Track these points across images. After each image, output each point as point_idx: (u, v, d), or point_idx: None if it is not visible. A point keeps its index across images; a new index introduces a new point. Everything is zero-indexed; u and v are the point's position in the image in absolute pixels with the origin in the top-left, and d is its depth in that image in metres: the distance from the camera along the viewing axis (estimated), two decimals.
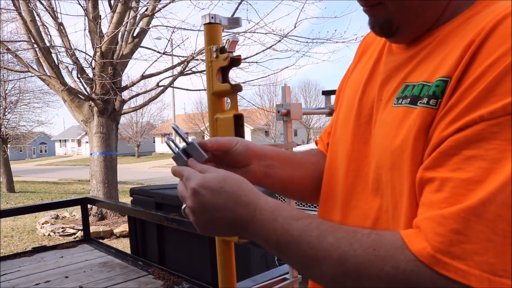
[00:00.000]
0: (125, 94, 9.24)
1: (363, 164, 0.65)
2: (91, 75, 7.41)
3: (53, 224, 6.98)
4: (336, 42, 7.84)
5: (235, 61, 0.93)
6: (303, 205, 4.02)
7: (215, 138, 0.71)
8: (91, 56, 7.16)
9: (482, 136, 0.45)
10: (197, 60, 7.54)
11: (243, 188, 0.58)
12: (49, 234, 6.74)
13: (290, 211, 0.56)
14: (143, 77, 7.80)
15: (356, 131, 0.67)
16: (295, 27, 7.35)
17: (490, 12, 0.52)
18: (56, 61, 7.33)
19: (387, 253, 0.47)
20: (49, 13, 7.20)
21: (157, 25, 7.79)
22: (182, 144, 0.69)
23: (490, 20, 0.50)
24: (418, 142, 0.52)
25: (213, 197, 0.58)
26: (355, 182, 0.66)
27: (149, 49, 8.11)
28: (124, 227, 6.53)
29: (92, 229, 5.69)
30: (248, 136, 33.22)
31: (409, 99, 0.55)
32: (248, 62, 7.96)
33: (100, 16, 7.32)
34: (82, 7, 7.03)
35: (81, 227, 5.76)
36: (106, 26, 7.38)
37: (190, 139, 0.69)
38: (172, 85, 8.10)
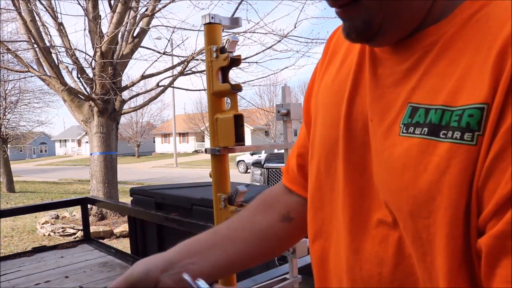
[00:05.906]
0: (125, 94, 9.25)
1: (363, 198, 0.53)
2: (91, 75, 7.42)
3: (53, 224, 6.98)
4: None
5: (235, 61, 0.94)
6: None
7: None
8: (91, 56, 7.17)
9: None
10: (197, 60, 7.54)
11: None
12: (49, 234, 6.74)
13: None
14: (143, 77, 7.81)
15: (349, 158, 0.55)
16: (295, 27, 7.35)
17: (502, 12, 0.42)
18: (56, 61, 7.33)
19: None
20: (49, 13, 7.21)
21: (157, 25, 7.83)
22: None
23: None
24: (460, 189, 0.41)
25: None
26: (353, 221, 0.54)
27: (149, 49, 8.13)
28: (124, 227, 6.53)
29: (92, 229, 5.68)
30: (248, 136, 33.19)
31: (426, 129, 0.44)
32: (248, 62, 7.96)
33: (100, 16, 7.33)
34: (82, 7, 7.03)
35: (81, 227, 5.76)
36: (106, 26, 7.39)
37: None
38: (172, 85, 8.10)
